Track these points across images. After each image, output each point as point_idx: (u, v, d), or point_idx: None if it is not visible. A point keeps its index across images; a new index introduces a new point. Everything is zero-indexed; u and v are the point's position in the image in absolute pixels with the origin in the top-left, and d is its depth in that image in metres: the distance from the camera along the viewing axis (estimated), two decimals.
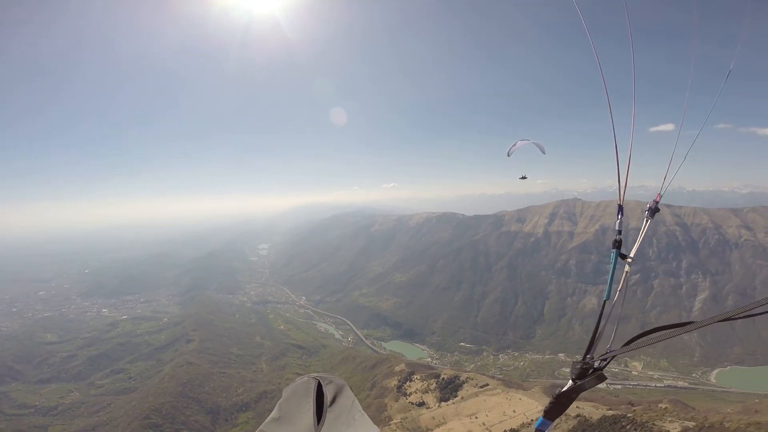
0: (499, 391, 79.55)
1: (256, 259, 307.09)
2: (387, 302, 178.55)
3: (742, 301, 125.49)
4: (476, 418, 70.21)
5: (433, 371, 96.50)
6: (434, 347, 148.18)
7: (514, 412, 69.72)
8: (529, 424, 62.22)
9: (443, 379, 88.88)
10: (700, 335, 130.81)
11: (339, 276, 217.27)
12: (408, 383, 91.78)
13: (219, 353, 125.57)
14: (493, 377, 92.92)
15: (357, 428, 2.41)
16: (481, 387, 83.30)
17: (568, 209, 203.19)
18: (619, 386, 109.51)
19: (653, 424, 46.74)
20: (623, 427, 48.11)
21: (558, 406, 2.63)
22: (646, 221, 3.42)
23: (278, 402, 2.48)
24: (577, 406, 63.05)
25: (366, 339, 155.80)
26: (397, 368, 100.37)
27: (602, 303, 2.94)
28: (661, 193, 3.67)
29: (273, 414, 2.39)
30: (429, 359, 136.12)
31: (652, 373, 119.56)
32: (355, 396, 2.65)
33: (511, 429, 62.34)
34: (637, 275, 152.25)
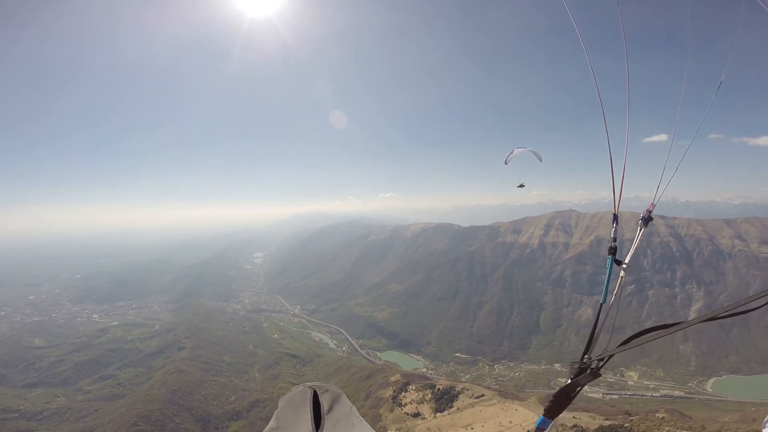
0: (495, 401, 78.71)
1: (251, 267, 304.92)
2: (383, 312, 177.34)
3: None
4: (472, 429, 69.31)
5: (429, 382, 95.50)
6: (430, 357, 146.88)
7: (510, 422, 68.86)
8: None
9: (439, 389, 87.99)
10: (696, 345, 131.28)
11: (335, 285, 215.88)
12: (403, 394, 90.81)
13: (211, 361, 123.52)
14: (488, 388, 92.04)
15: None
16: (477, 397, 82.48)
17: (563, 220, 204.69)
18: (616, 396, 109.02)
19: None
20: None
21: (557, 404, 2.70)
22: (640, 229, 3.65)
23: (275, 412, 2.47)
24: (573, 416, 62.56)
25: (361, 349, 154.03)
26: (393, 378, 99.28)
27: (599, 306, 3.14)
28: (654, 203, 3.87)
29: (271, 424, 2.38)
30: (424, 369, 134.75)
31: (648, 382, 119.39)
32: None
33: None
34: (632, 286, 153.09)
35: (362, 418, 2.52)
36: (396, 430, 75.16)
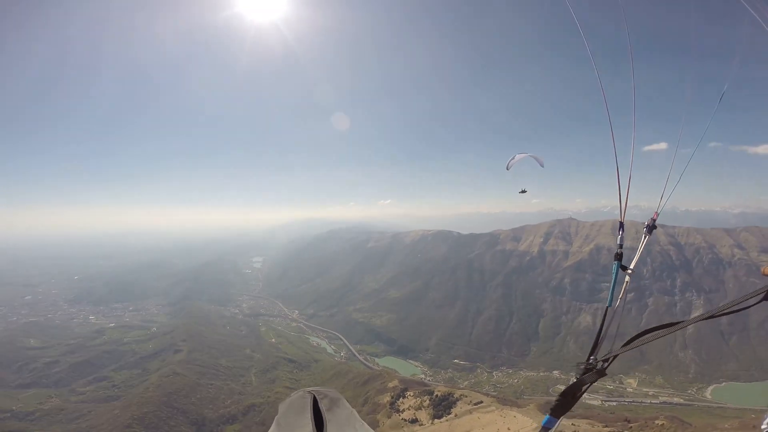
0: (494, 408, 78.04)
1: (249, 271, 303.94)
2: (381, 318, 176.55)
3: (736, 318, 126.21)
4: None
5: (427, 388, 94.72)
6: (428, 364, 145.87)
7: (509, 429, 68.12)
8: None
9: (437, 395, 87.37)
10: (695, 352, 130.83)
11: (333, 291, 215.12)
12: (401, 400, 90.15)
13: (207, 364, 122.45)
14: (487, 394, 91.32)
15: None
16: (475, 404, 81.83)
17: (563, 228, 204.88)
18: (615, 403, 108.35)
19: None
20: None
21: (564, 403, 2.77)
22: (645, 237, 3.78)
23: (276, 417, 2.46)
24: (572, 423, 61.90)
25: (359, 354, 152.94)
26: (390, 384, 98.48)
27: (605, 309, 3.26)
28: (658, 211, 4.02)
29: (272, 429, 2.37)
30: (422, 376, 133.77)
31: (647, 389, 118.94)
32: None
33: None
34: (632, 293, 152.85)
35: (364, 422, 2.49)
36: None
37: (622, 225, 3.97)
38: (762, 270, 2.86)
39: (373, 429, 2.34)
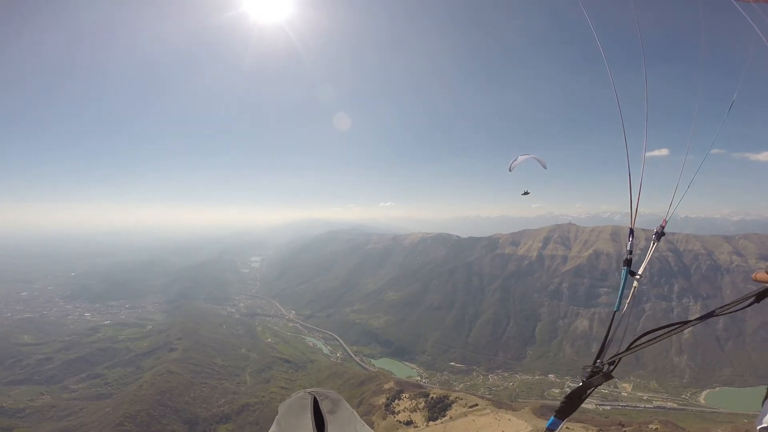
0: (489, 411, 77.71)
1: (247, 271, 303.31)
2: (379, 320, 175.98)
3: (733, 323, 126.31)
4: None
5: (422, 390, 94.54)
6: (424, 366, 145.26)
7: None
8: None
9: (432, 398, 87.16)
10: (691, 357, 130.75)
11: (331, 292, 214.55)
12: (396, 401, 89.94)
13: (202, 363, 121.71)
14: (482, 397, 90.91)
15: None
16: (471, 407, 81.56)
17: (562, 233, 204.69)
18: (609, 407, 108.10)
19: None
20: None
21: (569, 405, 2.81)
22: (653, 244, 3.90)
23: (276, 417, 2.44)
24: (567, 428, 61.45)
25: (355, 355, 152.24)
26: (386, 386, 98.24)
27: (612, 313, 3.34)
28: (667, 218, 4.10)
29: (272, 429, 2.36)
30: (418, 378, 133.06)
31: (641, 394, 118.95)
32: None
33: None
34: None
35: (365, 424, 2.48)
36: None
37: (632, 231, 4.02)
38: (753, 276, 3.04)
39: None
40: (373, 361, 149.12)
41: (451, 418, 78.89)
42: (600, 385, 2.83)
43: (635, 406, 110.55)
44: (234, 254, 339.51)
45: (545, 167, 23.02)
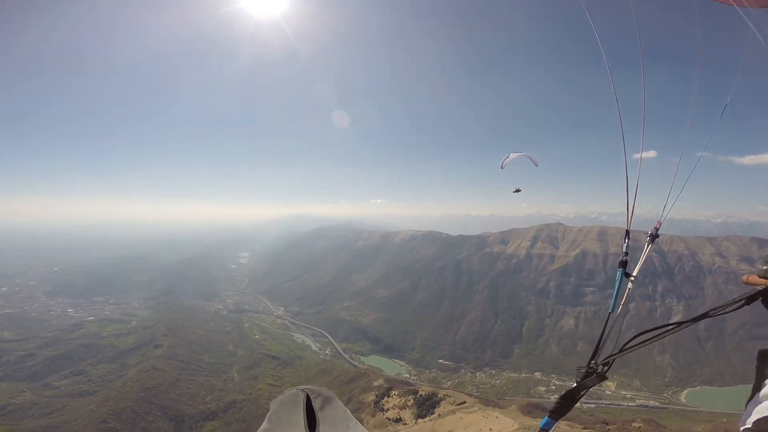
0: (476, 408, 78.54)
1: (235, 267, 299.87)
2: (368, 317, 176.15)
3: (714, 324, 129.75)
4: None
5: (411, 387, 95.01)
6: (413, 363, 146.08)
7: (491, 430, 68.65)
8: None
9: (421, 395, 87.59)
10: (673, 356, 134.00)
11: (320, 288, 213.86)
12: (385, 399, 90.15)
13: (188, 360, 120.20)
14: (470, 395, 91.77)
15: None
16: (459, 404, 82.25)
17: (550, 233, 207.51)
18: (593, 405, 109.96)
19: None
20: None
21: (563, 406, 2.81)
22: (647, 245, 3.91)
23: (268, 414, 2.43)
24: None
25: (344, 353, 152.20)
26: (375, 383, 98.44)
27: (607, 315, 3.30)
28: (661, 221, 4.11)
29: (263, 426, 2.34)
30: (407, 375, 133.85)
31: (625, 392, 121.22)
32: None
33: None
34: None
35: (357, 422, 2.45)
36: None
37: (628, 233, 4.00)
38: (744, 279, 3.05)
39: None
40: (362, 358, 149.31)
41: (439, 415, 79.47)
42: (594, 386, 2.83)
43: (619, 405, 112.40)
44: (222, 250, 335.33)
45: (536, 165, 23.33)
